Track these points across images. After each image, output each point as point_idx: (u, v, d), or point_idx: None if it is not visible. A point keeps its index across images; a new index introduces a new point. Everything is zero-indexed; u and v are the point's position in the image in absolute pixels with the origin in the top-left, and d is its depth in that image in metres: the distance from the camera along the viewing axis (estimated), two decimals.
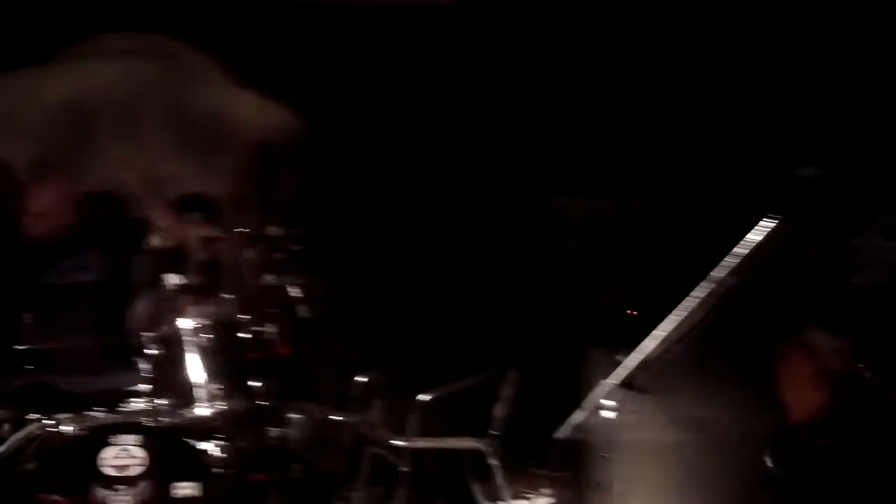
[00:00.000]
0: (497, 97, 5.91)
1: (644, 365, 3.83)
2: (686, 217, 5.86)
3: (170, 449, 3.99)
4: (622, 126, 5.97)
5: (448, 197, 5.91)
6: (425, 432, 4.80)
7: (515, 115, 5.93)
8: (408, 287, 5.68)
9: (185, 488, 3.99)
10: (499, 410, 4.87)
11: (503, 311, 5.70)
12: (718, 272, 3.07)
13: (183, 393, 4.24)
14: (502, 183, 5.96)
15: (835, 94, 5.25)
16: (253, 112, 5.57)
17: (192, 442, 4.07)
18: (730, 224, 3.19)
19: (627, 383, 3.98)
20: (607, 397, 3.01)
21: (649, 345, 3.11)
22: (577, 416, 3.01)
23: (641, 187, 6.04)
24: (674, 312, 3.16)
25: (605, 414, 3.03)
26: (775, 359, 3.84)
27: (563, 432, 3.05)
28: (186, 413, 4.19)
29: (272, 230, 5.12)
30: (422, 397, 4.72)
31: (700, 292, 3.12)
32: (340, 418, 5.00)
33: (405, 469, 4.65)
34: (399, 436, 4.78)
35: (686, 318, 3.10)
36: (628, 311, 4.44)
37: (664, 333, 3.10)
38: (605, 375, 3.08)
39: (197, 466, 4.03)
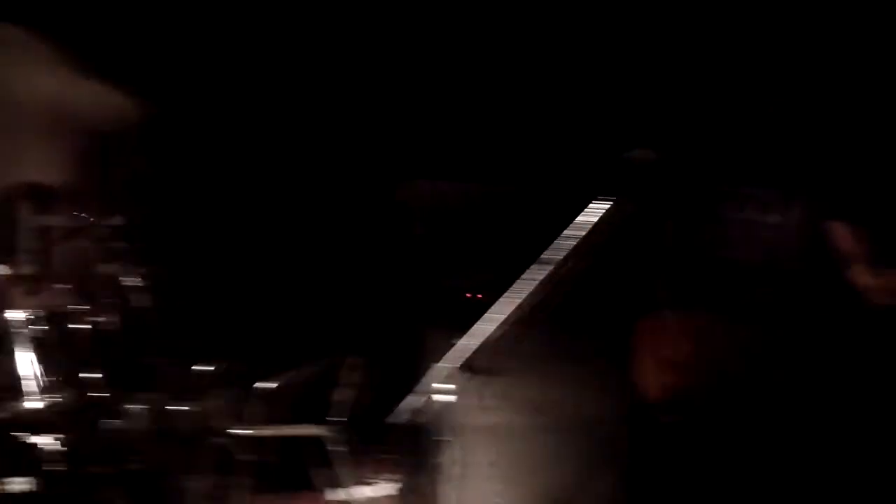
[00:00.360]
0: (342, 81, 5.89)
1: (482, 347, 3.91)
2: (529, 200, 5.96)
3: None
4: (465, 110, 6.02)
5: (291, 182, 5.86)
6: (266, 420, 4.76)
7: (359, 100, 5.91)
8: (248, 273, 5.62)
9: (16, 484, 3.87)
10: (340, 396, 4.86)
11: (345, 296, 5.69)
12: (551, 254, 3.14)
13: (13, 386, 4.11)
14: (344, 167, 5.95)
15: (676, 75, 5.37)
16: (92, 99, 5.42)
17: (22, 436, 3.94)
18: (574, 206, 3.24)
19: (466, 366, 4.05)
20: (445, 380, 3.03)
21: (486, 327, 3.14)
22: (415, 400, 3.02)
23: (486, 171, 6.10)
24: (508, 294, 3.22)
25: (443, 397, 3.05)
26: (628, 337, 3.85)
27: (400, 416, 3.05)
28: (16, 406, 4.06)
29: (110, 219, 5.01)
30: (261, 385, 4.68)
31: (534, 274, 3.19)
32: (180, 408, 4.92)
33: (246, 458, 4.59)
34: (239, 425, 4.73)
35: (522, 300, 3.15)
36: (471, 295, 4.49)
37: (500, 316, 3.14)
38: (445, 359, 3.10)
39: (28, 461, 3.91)
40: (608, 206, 3.04)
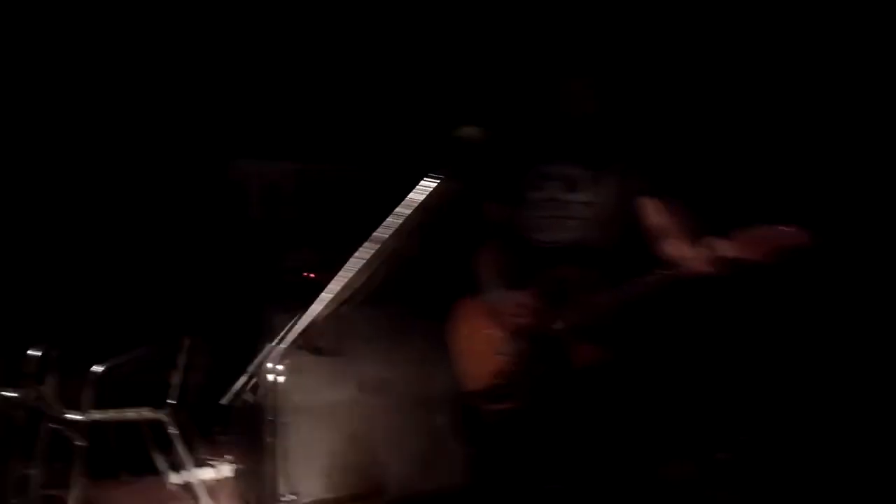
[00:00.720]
0: (172, 61, 5.78)
1: (312, 327, 3.90)
2: (362, 178, 5.99)
3: None
4: (295, 90, 5.99)
5: (124, 164, 5.74)
6: (102, 404, 4.67)
7: (190, 79, 5.82)
8: (80, 256, 5.48)
9: None
10: (176, 378, 4.80)
11: (180, 277, 5.61)
12: (381, 232, 3.15)
13: None
14: (180, 147, 5.85)
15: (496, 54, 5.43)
16: None
17: None
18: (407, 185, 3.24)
19: (298, 345, 4.04)
20: (278, 360, 3.02)
21: (318, 307, 3.14)
22: (249, 381, 3.01)
23: (323, 151, 6.10)
24: (340, 274, 3.22)
25: (277, 377, 3.03)
26: (449, 320, 3.78)
27: (234, 397, 3.03)
28: None
29: None
30: (96, 369, 4.58)
31: (363, 253, 3.19)
32: (12, 394, 4.78)
33: (82, 443, 4.50)
34: (74, 410, 4.62)
35: (352, 278, 3.15)
36: (306, 275, 4.49)
37: (331, 295, 3.14)
38: (278, 339, 3.08)
39: None
40: (436, 183, 3.05)
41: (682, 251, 3.21)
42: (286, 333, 3.12)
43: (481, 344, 3.52)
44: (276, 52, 5.91)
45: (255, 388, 3.22)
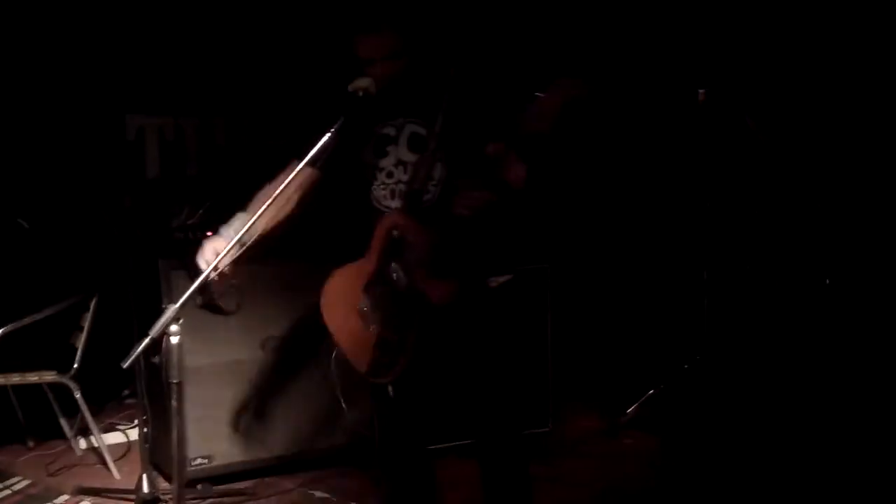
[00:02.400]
0: (66, 13, 5.62)
1: (213, 285, 3.81)
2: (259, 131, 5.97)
3: None
4: (190, 44, 5.90)
5: (21, 121, 5.56)
6: (2, 369, 4.55)
7: (85, 33, 5.67)
8: None
9: None
10: (79, 340, 4.69)
11: (82, 237, 5.48)
12: (277, 186, 3.09)
13: None
14: (77, 103, 5.69)
15: None
16: None
17: None
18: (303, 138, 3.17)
19: (200, 304, 3.96)
20: (175, 321, 2.93)
21: (214, 264, 3.06)
22: (147, 342, 2.91)
23: (220, 105, 6.04)
24: (228, 228, 3.16)
25: (176, 338, 2.95)
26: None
27: (134, 359, 2.93)
28: None
29: None
30: None
31: (255, 207, 3.13)
32: None
33: None
34: None
35: (243, 235, 3.09)
36: (209, 233, 4.37)
37: (227, 252, 3.07)
38: (176, 299, 3.00)
39: None
40: (329, 135, 2.99)
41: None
42: (186, 293, 3.02)
43: (346, 313, 3.44)
44: (174, 3, 5.80)
45: (157, 349, 3.12)
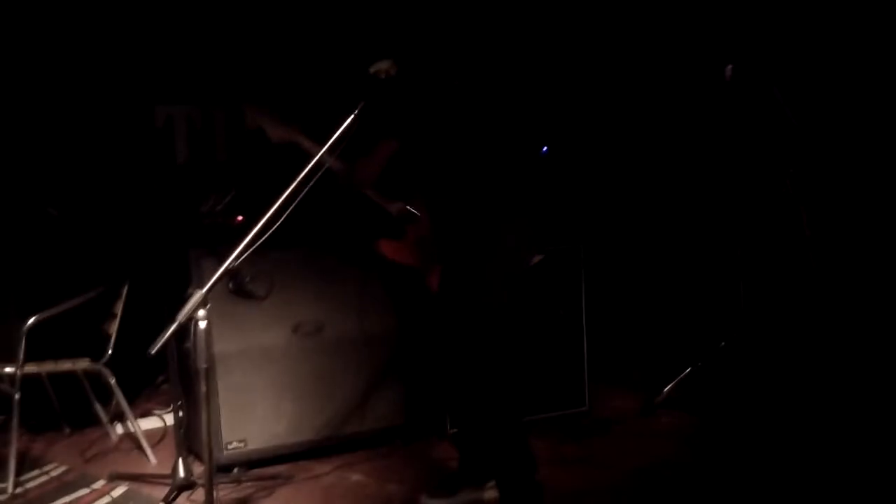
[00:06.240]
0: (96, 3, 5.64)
1: (242, 270, 3.83)
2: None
3: None
4: (218, 34, 5.91)
5: (51, 110, 5.59)
6: (36, 356, 4.57)
7: (114, 22, 5.68)
8: (6, 205, 5.34)
9: None
10: (111, 328, 4.71)
11: (108, 223, 5.51)
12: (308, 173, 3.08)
13: None
14: (105, 93, 5.71)
15: None
16: None
17: None
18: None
19: (231, 290, 3.97)
20: (202, 306, 2.94)
21: (245, 251, 3.06)
22: (174, 328, 2.92)
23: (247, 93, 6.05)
24: (266, 217, 3.15)
25: (201, 323, 2.96)
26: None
27: (164, 345, 2.94)
28: None
29: None
30: (27, 321, 4.46)
31: (290, 195, 3.12)
32: None
33: (17, 396, 4.40)
34: (7, 362, 4.52)
35: (272, 220, 3.08)
36: (238, 218, 4.39)
37: (257, 238, 3.06)
38: (207, 284, 3.00)
39: None
40: (351, 119, 2.98)
41: None
42: (215, 278, 3.03)
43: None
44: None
45: (187, 335, 3.12)
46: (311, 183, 3.08)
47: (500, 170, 3.54)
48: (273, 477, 4.43)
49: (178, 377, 4.28)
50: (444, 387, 4.40)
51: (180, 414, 4.30)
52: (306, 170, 3.04)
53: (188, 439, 4.36)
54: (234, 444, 4.47)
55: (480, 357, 3.57)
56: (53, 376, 4.93)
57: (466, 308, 3.52)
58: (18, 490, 4.31)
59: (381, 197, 3.81)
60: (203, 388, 3.14)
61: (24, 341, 4.37)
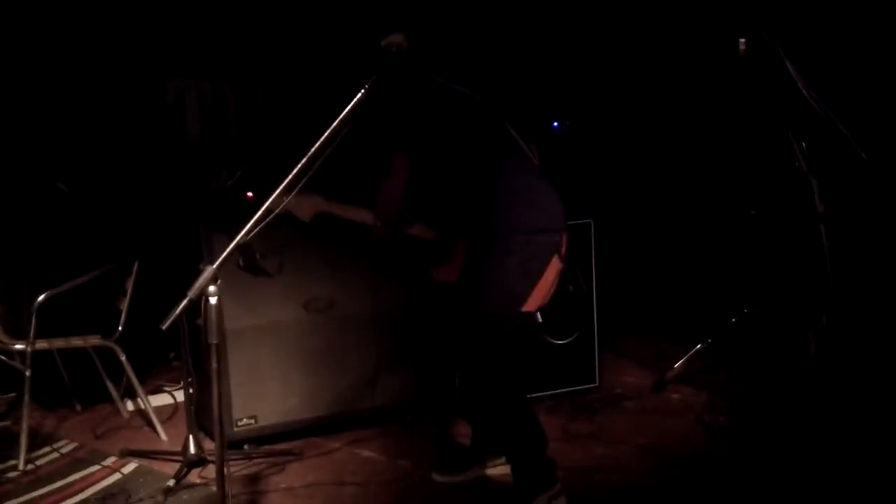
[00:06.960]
0: None
1: (253, 246, 3.80)
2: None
3: None
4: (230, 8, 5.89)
5: (60, 88, 5.57)
6: (47, 333, 4.57)
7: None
8: (18, 183, 5.33)
9: None
10: (123, 304, 4.70)
11: (119, 199, 5.50)
12: (318, 149, 3.05)
13: None
14: (116, 69, 5.69)
15: None
16: None
17: None
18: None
19: (241, 266, 3.95)
20: (213, 282, 2.92)
21: (256, 227, 3.04)
22: (185, 303, 2.91)
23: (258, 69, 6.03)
24: (276, 193, 3.13)
25: (212, 298, 2.94)
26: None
27: (175, 321, 2.92)
28: None
29: None
30: (38, 297, 4.46)
31: (301, 172, 3.09)
32: None
33: (28, 372, 4.40)
34: (19, 339, 4.52)
35: (283, 197, 3.06)
36: (249, 194, 4.36)
37: (268, 214, 3.04)
38: (217, 260, 2.98)
39: None
40: (363, 92, 2.95)
41: None
42: (226, 254, 3.01)
43: None
44: None
45: (198, 311, 3.11)
46: (323, 158, 3.06)
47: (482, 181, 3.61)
48: (284, 453, 4.44)
49: (188, 354, 4.27)
50: (453, 363, 4.39)
51: (191, 390, 4.30)
52: (317, 144, 3.01)
53: (199, 416, 4.36)
54: (245, 421, 4.47)
55: (486, 335, 3.56)
56: (64, 353, 4.93)
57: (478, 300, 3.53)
58: (29, 467, 4.32)
59: (424, 229, 3.82)
60: (214, 365, 3.11)
61: (34, 318, 4.37)
